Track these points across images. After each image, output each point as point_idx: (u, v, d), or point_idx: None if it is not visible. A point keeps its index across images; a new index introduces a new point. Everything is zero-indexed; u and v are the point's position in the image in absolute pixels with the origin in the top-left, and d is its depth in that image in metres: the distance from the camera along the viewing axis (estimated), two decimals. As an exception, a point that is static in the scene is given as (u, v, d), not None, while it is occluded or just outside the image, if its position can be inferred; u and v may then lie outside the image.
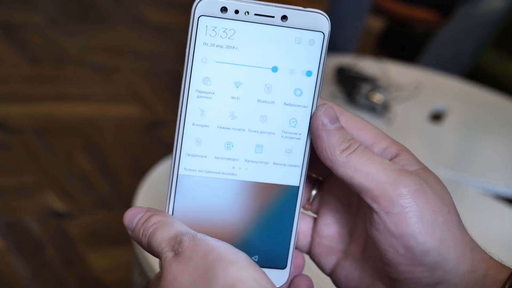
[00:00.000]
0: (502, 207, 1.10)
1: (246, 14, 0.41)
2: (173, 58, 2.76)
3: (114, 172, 1.86)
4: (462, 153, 1.44)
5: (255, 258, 0.44)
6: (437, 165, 1.29)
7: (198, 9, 0.40)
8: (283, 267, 0.44)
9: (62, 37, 2.67)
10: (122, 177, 1.84)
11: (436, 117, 1.60)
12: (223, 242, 0.41)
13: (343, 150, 0.41)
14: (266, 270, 0.41)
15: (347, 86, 1.51)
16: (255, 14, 0.41)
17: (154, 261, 0.86)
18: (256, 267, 0.39)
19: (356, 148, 0.41)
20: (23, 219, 1.59)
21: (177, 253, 0.40)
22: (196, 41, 0.40)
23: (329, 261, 0.47)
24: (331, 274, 0.48)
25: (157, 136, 2.11)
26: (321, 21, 0.41)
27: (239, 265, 0.39)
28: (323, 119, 0.42)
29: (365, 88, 1.46)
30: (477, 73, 2.49)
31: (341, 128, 0.42)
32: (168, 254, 0.40)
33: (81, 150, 1.92)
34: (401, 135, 1.47)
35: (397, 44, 3.14)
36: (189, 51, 0.41)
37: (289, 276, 0.45)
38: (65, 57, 2.51)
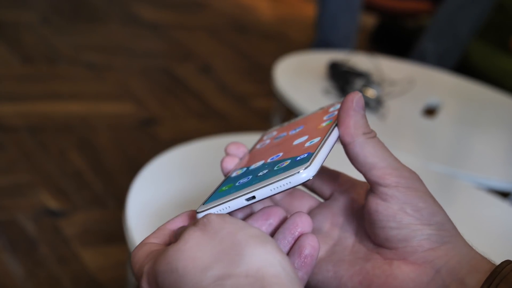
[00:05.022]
0: (496, 201, 1.10)
1: None
2: (166, 56, 2.76)
3: (108, 170, 1.85)
4: (455, 147, 1.44)
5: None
6: (431, 160, 1.29)
7: None
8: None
9: (54, 36, 2.66)
10: (116, 175, 1.84)
11: (430, 112, 1.61)
12: (253, 226, 0.42)
13: (365, 133, 0.46)
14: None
15: (340, 81, 1.51)
16: None
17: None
18: (283, 253, 0.40)
19: (375, 136, 0.47)
20: (17, 218, 1.59)
21: (203, 226, 0.41)
22: None
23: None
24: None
25: (151, 134, 2.11)
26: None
27: (267, 248, 0.39)
28: (358, 101, 0.47)
29: (358, 83, 1.46)
30: (468, 68, 2.49)
31: (365, 116, 0.47)
32: (193, 227, 0.42)
33: (75, 149, 1.92)
34: (395, 130, 1.47)
35: (390, 40, 3.14)
36: None
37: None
38: (58, 56, 2.50)
